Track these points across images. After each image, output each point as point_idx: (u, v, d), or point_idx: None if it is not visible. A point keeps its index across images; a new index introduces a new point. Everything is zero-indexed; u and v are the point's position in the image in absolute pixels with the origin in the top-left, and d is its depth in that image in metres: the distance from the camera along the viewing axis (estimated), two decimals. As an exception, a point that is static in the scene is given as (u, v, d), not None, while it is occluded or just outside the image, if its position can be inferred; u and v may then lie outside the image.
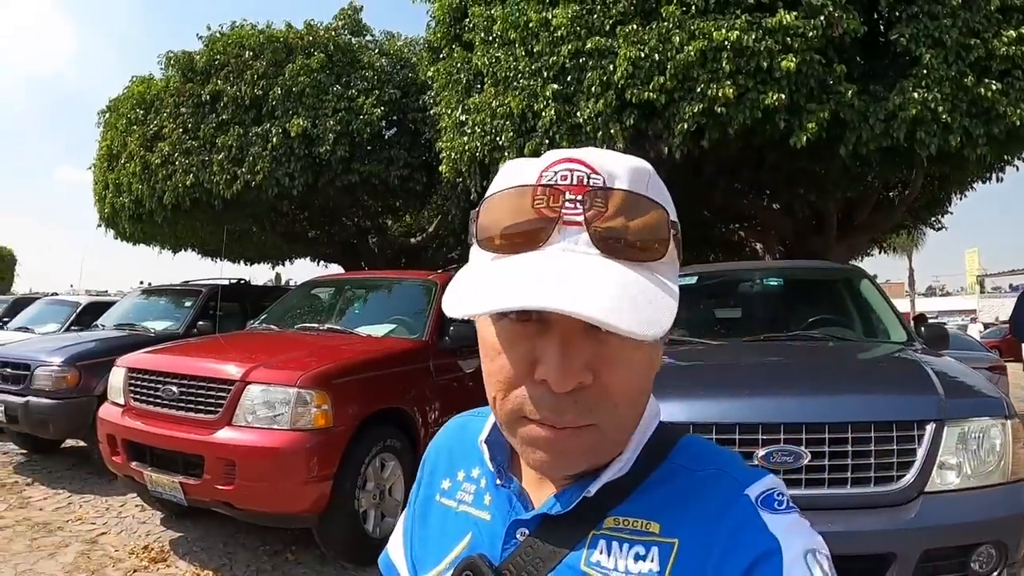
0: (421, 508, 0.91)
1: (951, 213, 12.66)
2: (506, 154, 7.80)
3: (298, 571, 4.58)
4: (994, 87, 6.07)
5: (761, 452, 2.81)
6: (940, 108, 6.04)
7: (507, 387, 0.69)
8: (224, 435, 4.31)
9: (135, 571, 4.43)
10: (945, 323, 5.27)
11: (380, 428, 4.82)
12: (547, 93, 7.27)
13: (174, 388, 4.65)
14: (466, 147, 8.38)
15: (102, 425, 5.00)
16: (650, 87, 6.58)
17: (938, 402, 2.91)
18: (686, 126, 6.58)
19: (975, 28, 6.18)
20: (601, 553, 0.72)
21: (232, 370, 4.50)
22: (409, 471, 5.04)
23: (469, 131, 8.34)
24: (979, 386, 3.19)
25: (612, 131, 6.93)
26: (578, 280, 0.62)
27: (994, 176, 8.45)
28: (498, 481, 0.80)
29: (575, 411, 0.67)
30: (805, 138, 6.20)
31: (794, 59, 6.03)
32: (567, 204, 0.65)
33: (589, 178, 0.65)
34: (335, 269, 16.04)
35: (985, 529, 2.74)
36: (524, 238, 0.66)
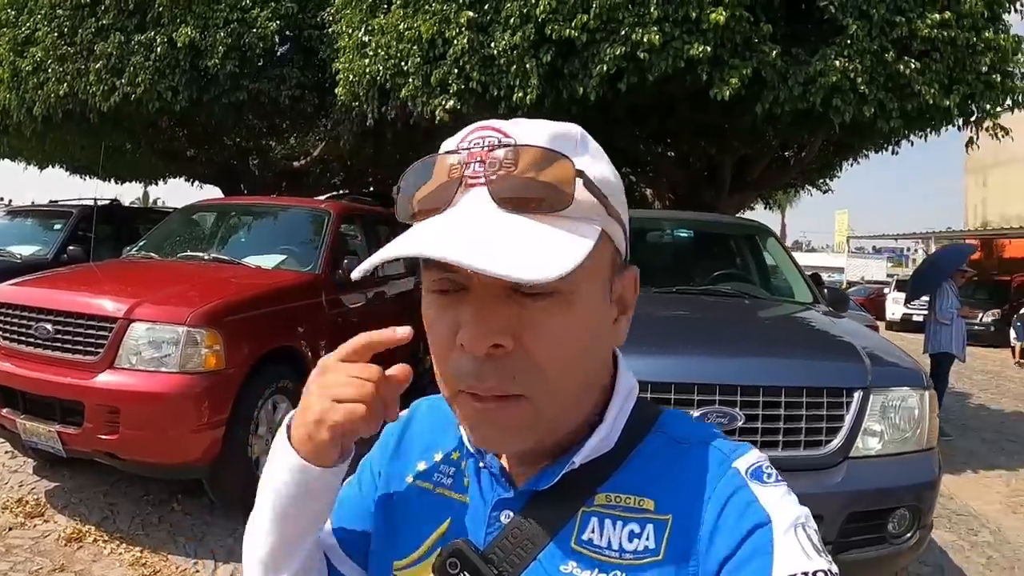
0: (388, 485, 0.90)
1: (839, 177, 13.46)
2: (411, 80, 7.62)
3: (187, 522, 4.45)
4: (912, 65, 6.44)
5: (696, 413, 2.92)
6: (859, 79, 6.35)
7: (440, 359, 0.71)
8: (106, 379, 4.09)
9: (10, 528, 4.19)
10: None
11: (272, 368, 4.72)
12: (461, 20, 7.10)
13: (48, 326, 4.34)
14: (367, 70, 8.13)
15: None
16: (572, 24, 6.55)
17: (865, 371, 3.12)
18: (605, 68, 6.61)
19: (901, 7, 6.50)
20: (592, 531, 0.73)
21: (113, 306, 4.25)
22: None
23: (371, 53, 8.06)
24: (899, 356, 3.43)
25: (527, 66, 6.89)
26: (468, 232, 0.64)
27: (891, 148, 8.98)
28: (481, 464, 0.80)
29: (496, 377, 0.68)
30: (728, 92, 6.35)
31: (723, 13, 6.13)
32: (472, 167, 0.68)
33: (501, 142, 0.68)
34: (211, 190, 15.41)
35: (903, 494, 3.00)
36: (433, 203, 0.69)
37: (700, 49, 6.28)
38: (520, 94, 6.97)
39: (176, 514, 4.54)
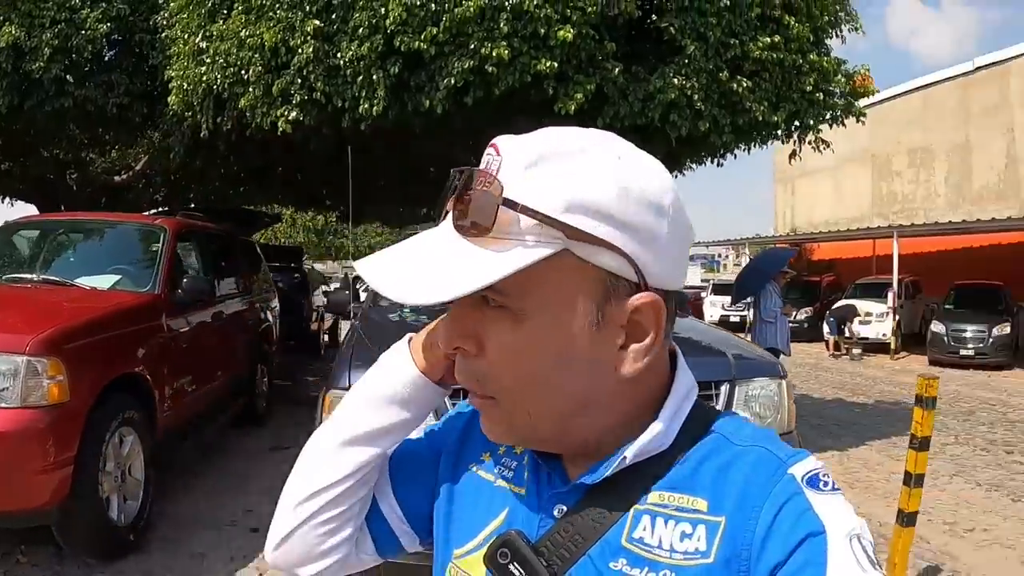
0: (453, 471, 0.91)
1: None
2: (251, 89, 7.39)
3: (35, 575, 4.12)
4: (744, 84, 7.07)
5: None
6: (695, 96, 6.87)
7: None
8: None
9: None
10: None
11: (117, 398, 4.42)
12: (307, 28, 6.97)
13: None
14: (203, 78, 7.78)
15: None
16: (421, 37, 6.60)
17: (729, 364, 3.38)
18: (453, 81, 6.72)
19: (735, 30, 7.09)
20: (644, 529, 0.73)
21: None
22: (148, 445, 4.73)
23: (209, 61, 7.73)
24: (753, 350, 3.73)
25: (374, 77, 6.87)
26: (400, 253, 0.72)
27: (718, 160, 9.62)
28: (539, 457, 0.82)
29: (463, 376, 0.75)
30: (572, 106, 6.62)
31: (571, 30, 6.41)
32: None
33: (492, 160, 0.69)
34: (23, 208, 14.24)
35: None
36: (438, 219, 0.74)
37: (547, 65, 6.53)
38: (366, 106, 6.95)
39: (22, 567, 4.20)
